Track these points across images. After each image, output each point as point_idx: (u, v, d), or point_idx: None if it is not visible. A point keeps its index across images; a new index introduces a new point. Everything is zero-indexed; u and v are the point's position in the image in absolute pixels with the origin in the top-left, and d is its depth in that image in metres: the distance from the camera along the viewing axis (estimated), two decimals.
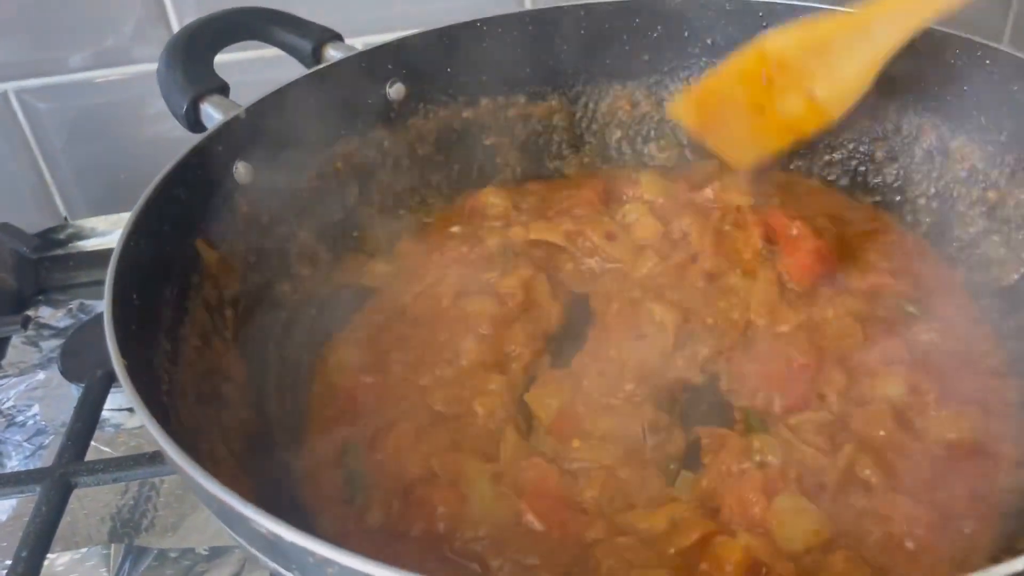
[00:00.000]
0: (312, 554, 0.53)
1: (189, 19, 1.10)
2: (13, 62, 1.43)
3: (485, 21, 1.11)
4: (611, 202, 1.12)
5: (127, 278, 0.77)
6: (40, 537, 0.87)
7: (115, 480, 0.94)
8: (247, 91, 0.98)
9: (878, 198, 1.10)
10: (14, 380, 1.18)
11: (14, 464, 1.07)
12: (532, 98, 1.18)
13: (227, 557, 0.92)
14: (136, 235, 0.80)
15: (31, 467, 1.05)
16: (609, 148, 1.22)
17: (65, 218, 1.54)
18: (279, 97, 1.00)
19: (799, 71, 1.02)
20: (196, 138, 0.93)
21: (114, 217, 1.43)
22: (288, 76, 1.02)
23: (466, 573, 0.75)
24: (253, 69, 1.13)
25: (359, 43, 1.10)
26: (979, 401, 0.85)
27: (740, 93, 1.05)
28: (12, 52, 1.42)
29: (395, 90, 1.10)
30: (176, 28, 1.40)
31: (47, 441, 1.09)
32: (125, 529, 0.97)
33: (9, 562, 0.85)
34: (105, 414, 1.06)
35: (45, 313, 1.30)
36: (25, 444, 1.09)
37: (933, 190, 1.05)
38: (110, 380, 1.06)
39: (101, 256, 1.34)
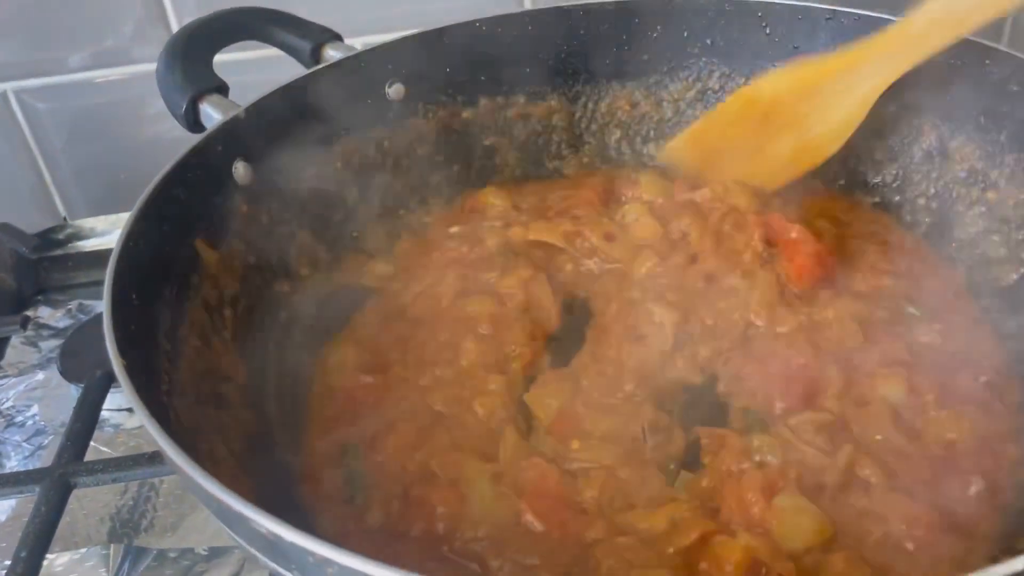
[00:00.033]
0: (312, 554, 0.53)
1: (188, 19, 1.10)
2: (12, 62, 1.43)
3: (484, 21, 1.11)
4: (610, 202, 1.12)
5: (126, 278, 0.77)
6: (39, 537, 0.87)
7: (114, 480, 0.94)
8: (246, 91, 0.98)
9: (877, 198, 1.10)
10: (13, 380, 1.18)
11: (13, 464, 1.07)
12: (531, 98, 1.18)
13: (226, 557, 0.92)
14: (135, 235, 0.80)
15: (30, 467, 1.05)
16: (608, 148, 1.22)
17: (64, 218, 1.54)
18: (278, 97, 1.00)
19: (792, 113, 1.03)
20: (195, 138, 0.93)
21: (113, 217, 1.43)
22: (287, 76, 1.02)
23: (466, 573, 0.75)
24: (252, 69, 1.13)
25: (358, 43, 1.10)
26: (979, 401, 0.85)
27: (734, 135, 1.07)
28: (11, 52, 1.42)
29: (394, 90, 1.10)
30: (175, 28, 1.40)
31: (46, 441, 1.09)
32: (124, 529, 0.97)
33: (8, 562, 0.85)
34: (104, 414, 1.06)
35: (44, 313, 1.30)
36: (24, 444, 1.09)
37: (932, 190, 1.05)
38: (109, 380, 1.06)
39: (100, 256, 1.34)
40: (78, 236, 1.43)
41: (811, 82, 1.02)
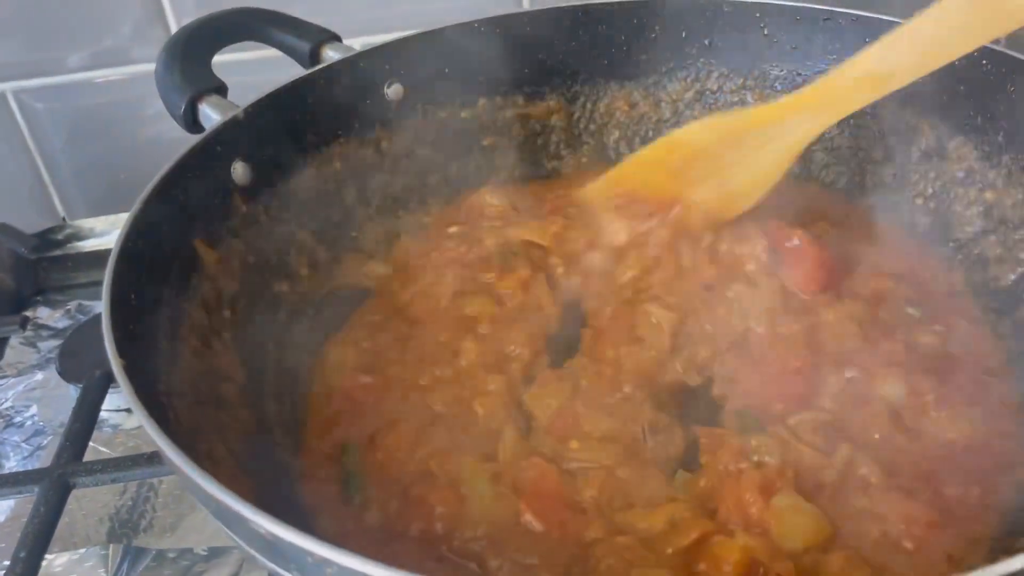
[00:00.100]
0: (311, 554, 0.53)
1: (187, 19, 1.10)
2: (11, 62, 1.43)
3: (483, 22, 1.11)
4: None
5: (125, 278, 0.77)
6: (38, 538, 0.87)
7: (113, 481, 0.94)
8: (245, 92, 0.98)
9: (876, 199, 1.10)
10: (12, 381, 1.18)
11: (12, 465, 1.07)
12: (530, 98, 1.18)
13: (225, 557, 0.92)
14: (134, 235, 0.80)
15: (29, 468, 1.05)
16: (607, 148, 1.22)
17: (63, 218, 1.54)
18: (277, 98, 1.00)
19: (713, 162, 1.02)
20: (194, 138, 0.93)
21: (112, 217, 1.43)
22: (286, 77, 1.02)
23: (465, 573, 0.75)
24: (251, 70, 1.13)
25: (357, 44, 1.10)
26: (978, 402, 0.85)
27: (654, 181, 1.05)
28: (10, 52, 1.42)
29: (393, 90, 1.10)
30: (174, 28, 1.40)
31: (45, 442, 1.09)
32: (123, 529, 0.97)
33: (7, 563, 0.85)
34: (103, 415, 1.06)
35: (43, 314, 1.30)
36: (23, 445, 1.09)
37: (930, 190, 1.05)
38: (108, 380, 1.06)
39: (99, 256, 1.34)
40: (77, 236, 1.43)
41: (734, 133, 1.01)
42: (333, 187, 1.07)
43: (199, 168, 0.91)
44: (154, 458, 0.92)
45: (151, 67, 1.03)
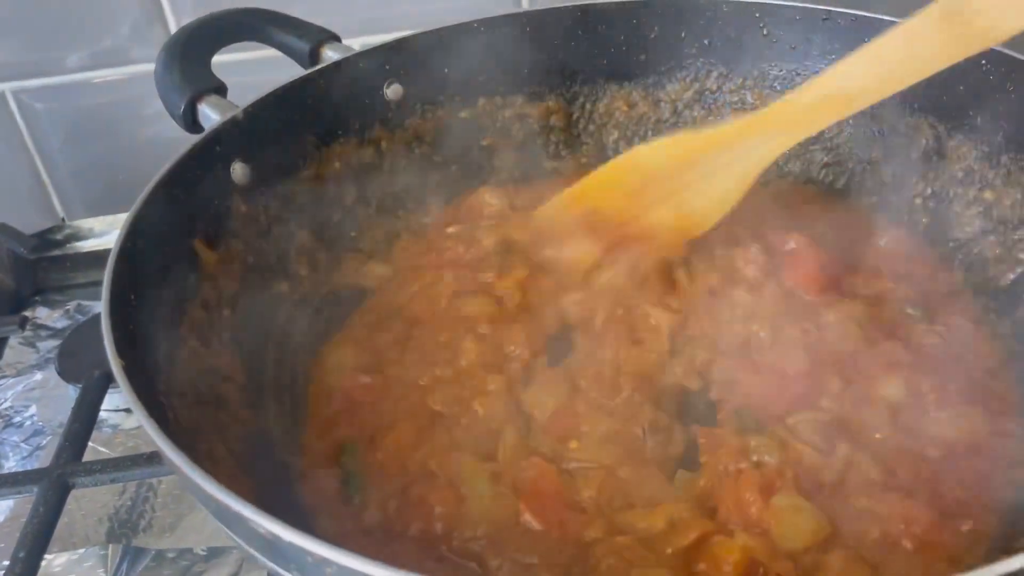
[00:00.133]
0: (310, 554, 0.53)
1: (187, 20, 1.10)
2: (10, 62, 1.43)
3: (482, 22, 1.11)
4: None
5: (125, 279, 0.77)
6: (37, 538, 0.87)
7: (113, 481, 0.94)
8: (245, 92, 0.98)
9: (875, 198, 1.10)
10: (11, 381, 1.18)
11: (11, 465, 1.07)
12: (529, 98, 1.18)
13: (225, 557, 0.92)
14: (134, 235, 0.80)
15: (28, 468, 1.05)
16: (607, 149, 1.22)
17: (62, 219, 1.54)
18: (277, 98, 1.00)
19: (670, 183, 1.00)
20: (194, 138, 0.92)
21: (111, 218, 1.43)
22: (286, 77, 1.02)
23: (465, 572, 0.75)
24: (251, 70, 1.13)
25: (356, 44, 1.09)
26: (979, 401, 0.85)
27: (610, 202, 1.03)
28: (9, 52, 1.42)
29: (392, 90, 1.10)
30: (173, 29, 1.40)
31: (44, 442, 1.09)
32: (123, 530, 0.97)
33: (7, 563, 0.85)
34: (102, 415, 1.06)
35: (42, 314, 1.30)
36: (22, 445, 1.09)
37: (929, 190, 1.05)
38: (107, 381, 1.06)
39: (98, 257, 1.34)
40: (76, 237, 1.42)
41: (692, 153, 0.99)
42: (333, 187, 1.07)
43: (199, 168, 0.91)
44: (153, 458, 0.92)
45: (150, 67, 1.03)
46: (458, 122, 1.16)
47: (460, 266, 1.05)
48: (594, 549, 0.75)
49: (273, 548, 0.57)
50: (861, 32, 1.01)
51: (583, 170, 1.20)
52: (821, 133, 1.02)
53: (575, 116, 1.20)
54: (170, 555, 0.93)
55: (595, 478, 0.81)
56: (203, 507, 0.64)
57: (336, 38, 1.10)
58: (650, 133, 1.20)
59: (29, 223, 1.42)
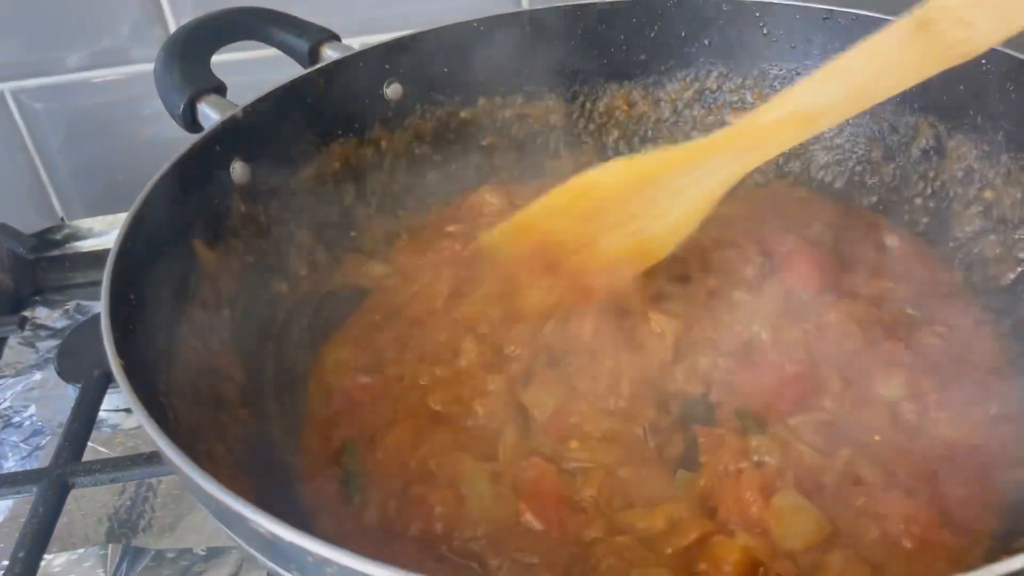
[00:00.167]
0: (311, 554, 0.53)
1: (186, 19, 1.10)
2: (10, 62, 1.43)
3: (482, 21, 1.11)
4: None
5: (124, 278, 0.77)
6: (37, 538, 0.87)
7: (112, 481, 0.94)
8: (244, 91, 0.98)
9: (875, 198, 1.10)
10: (11, 381, 1.18)
11: (11, 465, 1.07)
12: (529, 98, 1.18)
13: (224, 558, 0.92)
14: (133, 235, 0.80)
15: (28, 468, 1.05)
16: (607, 148, 1.22)
17: (62, 218, 1.54)
18: (276, 97, 1.00)
19: (627, 207, 0.95)
20: (193, 138, 0.93)
21: (111, 217, 1.43)
22: (285, 76, 1.02)
23: (465, 572, 0.75)
24: (250, 69, 1.13)
25: (356, 43, 1.09)
26: (979, 402, 0.85)
27: (563, 228, 0.98)
28: (9, 52, 1.42)
29: (392, 90, 1.10)
30: (173, 28, 1.40)
31: (44, 442, 1.09)
32: (122, 530, 0.97)
33: (6, 563, 0.85)
34: (102, 415, 1.06)
35: (41, 314, 1.30)
36: (22, 445, 1.09)
37: (930, 190, 1.05)
38: (107, 380, 1.06)
39: (98, 257, 1.34)
40: (75, 236, 1.42)
41: (649, 175, 0.94)
42: (332, 187, 1.07)
43: (198, 168, 0.91)
44: (153, 458, 0.92)
45: (150, 67, 1.03)
46: (458, 122, 1.16)
47: (460, 266, 1.05)
48: (594, 549, 0.75)
49: (273, 548, 0.57)
50: (861, 31, 0.99)
51: (582, 170, 1.20)
52: (821, 132, 1.02)
53: (575, 116, 1.20)
54: (170, 555, 0.93)
55: (595, 478, 0.81)
56: (203, 507, 0.64)
57: (336, 37, 1.10)
58: (650, 132, 1.20)
59: (28, 223, 1.42)
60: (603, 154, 1.21)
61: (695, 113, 1.18)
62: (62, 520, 0.90)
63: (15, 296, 1.32)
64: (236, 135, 0.95)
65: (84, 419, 1.01)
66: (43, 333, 1.26)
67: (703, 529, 0.75)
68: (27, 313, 1.29)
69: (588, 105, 1.20)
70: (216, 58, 1.04)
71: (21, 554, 0.85)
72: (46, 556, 0.88)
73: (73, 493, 0.93)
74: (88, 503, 0.99)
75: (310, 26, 1.10)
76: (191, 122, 0.99)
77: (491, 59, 1.13)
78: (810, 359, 0.90)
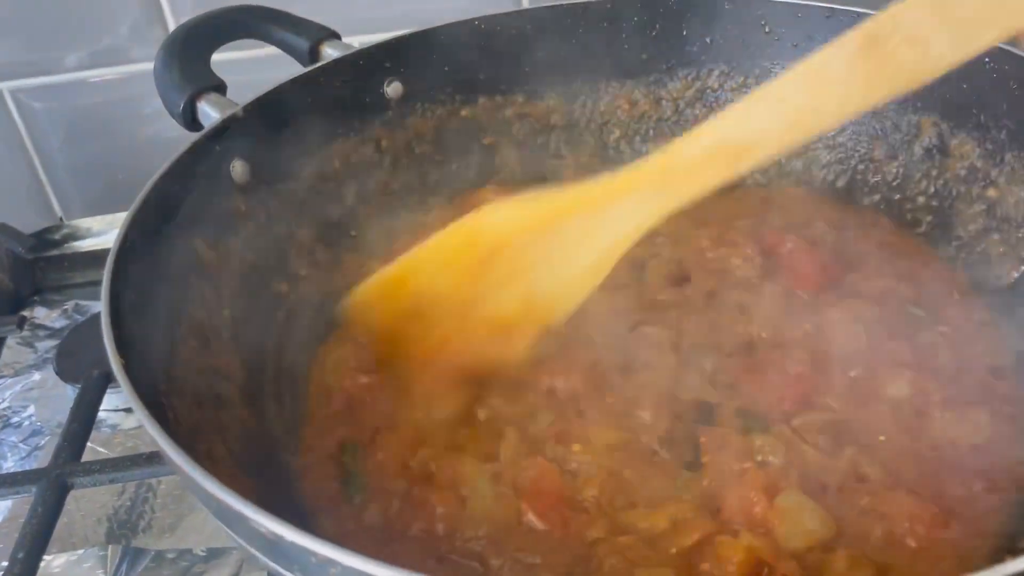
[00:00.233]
0: (314, 554, 0.53)
1: (186, 18, 1.10)
2: (9, 61, 1.43)
3: (483, 19, 1.11)
4: None
5: (124, 278, 0.76)
6: (36, 538, 0.86)
7: (112, 481, 0.93)
8: (244, 90, 0.98)
9: (877, 197, 1.10)
10: (10, 381, 1.18)
11: (10, 465, 1.06)
12: (530, 97, 1.17)
13: (225, 558, 0.92)
14: (133, 235, 0.80)
15: (27, 468, 1.05)
16: (607, 147, 1.21)
17: (61, 218, 1.54)
18: (276, 96, 0.99)
19: (520, 258, 0.82)
20: (193, 137, 0.92)
21: (110, 217, 1.42)
22: (285, 75, 1.01)
23: (467, 572, 0.75)
24: (250, 68, 1.13)
25: (356, 42, 1.09)
26: (983, 401, 0.85)
27: (444, 285, 0.85)
28: (8, 52, 1.42)
29: (393, 89, 1.09)
30: (172, 27, 1.39)
31: (43, 442, 1.08)
32: (122, 530, 0.96)
33: (6, 563, 0.85)
34: (101, 415, 1.05)
35: (40, 313, 1.29)
36: (21, 445, 1.09)
37: (932, 189, 1.05)
38: (106, 380, 1.06)
39: (97, 256, 1.34)
40: (74, 236, 1.42)
41: (549, 220, 0.81)
42: (333, 186, 1.07)
43: (198, 167, 0.91)
44: (153, 458, 0.92)
45: (149, 66, 1.03)
46: (458, 120, 1.15)
47: None
48: (597, 549, 0.75)
49: (275, 548, 0.56)
50: None
51: (584, 169, 1.20)
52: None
53: (576, 114, 1.20)
54: (170, 556, 0.93)
55: (597, 478, 0.80)
56: (204, 508, 0.63)
57: (336, 36, 1.10)
58: (651, 131, 1.20)
59: (27, 223, 1.42)
60: (604, 154, 1.21)
61: (697, 112, 1.18)
62: (62, 521, 0.90)
63: (14, 296, 1.31)
64: (236, 134, 0.95)
65: (83, 419, 1.01)
66: (42, 333, 1.26)
67: (706, 529, 0.75)
68: (26, 313, 1.29)
69: (589, 104, 1.19)
70: (216, 57, 1.04)
71: (21, 555, 0.84)
72: (46, 557, 0.87)
73: (73, 493, 0.93)
74: (88, 503, 0.99)
75: (310, 24, 1.10)
76: (191, 121, 0.99)
77: (492, 58, 1.13)
78: (813, 359, 0.89)
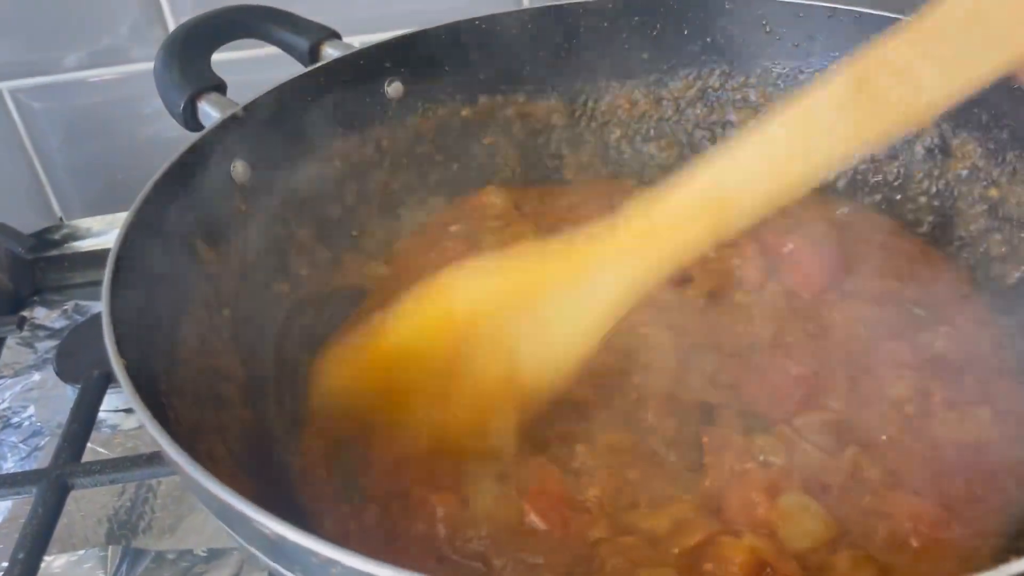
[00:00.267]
0: (316, 555, 0.53)
1: (185, 18, 1.09)
2: (8, 61, 1.42)
3: (484, 19, 1.11)
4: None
5: (124, 278, 0.76)
6: (37, 539, 0.86)
7: (112, 482, 0.93)
8: (244, 90, 0.98)
9: (878, 197, 1.10)
10: (9, 381, 1.18)
11: (10, 466, 1.06)
12: (531, 96, 1.17)
13: (225, 559, 0.92)
14: (133, 235, 0.80)
15: (27, 468, 1.05)
16: (608, 147, 1.21)
17: (60, 218, 1.54)
18: (277, 95, 0.99)
19: (499, 332, 0.77)
20: (193, 137, 0.92)
21: (109, 217, 1.42)
22: (286, 75, 1.01)
23: (468, 572, 0.75)
24: (250, 68, 1.12)
25: (357, 41, 1.09)
26: (986, 402, 0.84)
27: (414, 366, 0.80)
28: (7, 51, 1.42)
29: (393, 88, 1.09)
30: (172, 27, 1.39)
31: (43, 443, 1.08)
32: (122, 531, 0.96)
33: (6, 564, 0.84)
34: (101, 415, 1.05)
35: (40, 314, 1.29)
36: (21, 445, 1.09)
37: (934, 189, 1.05)
38: (106, 381, 1.06)
39: (97, 256, 1.34)
40: (74, 236, 1.42)
41: (525, 288, 0.76)
42: (333, 186, 1.06)
43: (198, 167, 0.90)
44: (153, 459, 0.92)
45: (149, 66, 1.03)
46: (459, 120, 1.15)
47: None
48: (599, 549, 0.75)
49: (277, 549, 0.56)
50: (865, 30, 1.00)
51: (585, 169, 1.20)
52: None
53: (577, 114, 1.19)
54: (170, 556, 0.93)
55: (599, 478, 0.80)
56: (206, 508, 0.63)
57: (336, 36, 1.09)
58: (652, 131, 1.19)
59: (27, 223, 1.42)
60: (605, 154, 1.20)
61: (698, 112, 1.18)
62: (62, 521, 0.90)
63: (14, 296, 1.31)
64: (237, 134, 0.95)
65: (83, 420, 1.01)
66: (42, 333, 1.26)
67: (709, 529, 0.75)
68: (26, 313, 1.28)
69: (590, 104, 1.19)
70: (216, 57, 1.04)
71: (21, 555, 0.84)
72: (46, 558, 0.87)
73: (73, 494, 0.92)
74: (88, 504, 0.99)
75: (310, 24, 1.10)
76: (191, 120, 0.99)
77: (492, 57, 1.12)
78: (814, 360, 0.89)
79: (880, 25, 0.97)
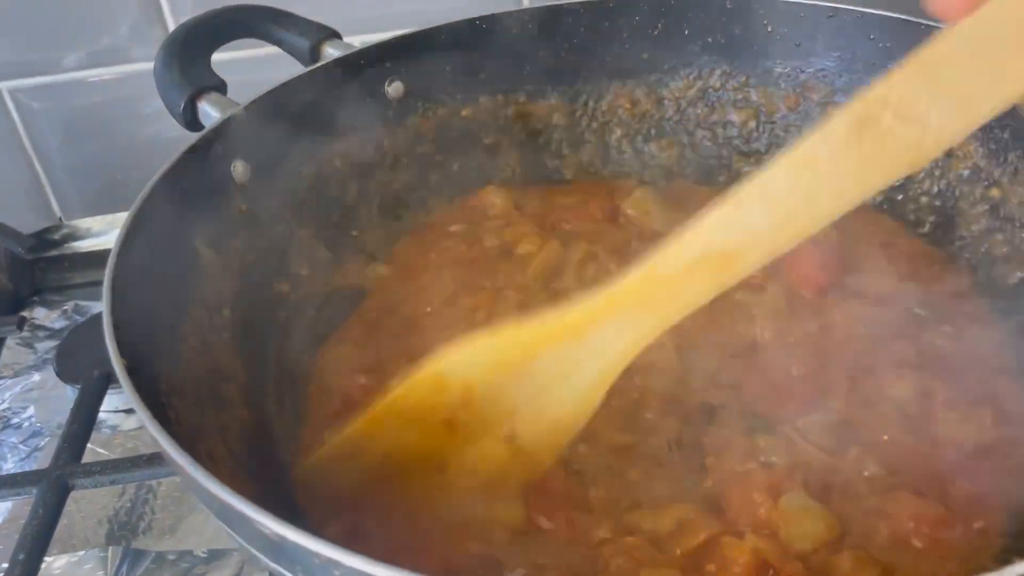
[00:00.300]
0: (317, 555, 0.53)
1: (185, 18, 1.09)
2: (8, 61, 1.42)
3: (484, 19, 1.11)
4: (616, 217, 1.11)
5: (125, 278, 0.76)
6: (37, 540, 0.86)
7: (112, 482, 0.93)
8: (245, 90, 0.98)
9: (880, 197, 1.09)
10: (9, 382, 1.18)
11: (10, 466, 1.06)
12: (531, 97, 1.17)
13: (225, 560, 0.91)
14: (134, 235, 0.79)
15: (27, 469, 1.05)
16: (609, 147, 1.21)
17: (60, 218, 1.53)
18: (277, 95, 0.99)
19: (495, 404, 0.74)
20: (193, 137, 0.92)
21: (109, 217, 1.42)
22: (286, 74, 1.01)
23: (472, 573, 0.75)
24: (250, 68, 1.12)
25: (357, 41, 1.09)
26: (988, 401, 0.84)
27: (409, 445, 0.77)
28: (6, 51, 1.41)
29: (394, 88, 1.09)
30: (172, 27, 1.39)
31: (43, 443, 1.08)
32: (122, 532, 0.96)
33: (6, 565, 0.84)
34: (101, 416, 1.05)
35: (40, 314, 1.29)
36: (21, 446, 1.08)
37: (935, 189, 1.05)
38: (107, 381, 1.05)
39: (96, 257, 1.33)
40: (74, 236, 1.41)
41: (516, 360, 0.73)
42: (333, 186, 1.07)
43: (198, 166, 0.90)
44: (153, 459, 0.92)
45: (149, 66, 1.03)
46: (460, 120, 1.15)
47: (462, 266, 1.05)
48: (602, 549, 0.74)
49: (278, 549, 0.56)
50: (867, 30, 1.00)
51: (586, 169, 1.20)
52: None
53: (578, 114, 1.19)
54: (170, 557, 0.93)
55: (603, 478, 0.80)
56: (206, 508, 0.63)
57: (337, 35, 1.09)
58: (653, 131, 1.19)
59: (26, 223, 1.41)
60: (606, 154, 1.20)
61: (698, 111, 1.17)
62: (62, 522, 0.90)
63: (13, 296, 1.31)
64: (237, 134, 0.94)
65: (83, 420, 1.01)
66: (41, 334, 1.25)
67: (712, 530, 0.75)
68: (25, 313, 1.28)
69: (591, 104, 1.19)
70: (216, 56, 1.04)
71: (21, 556, 0.84)
72: (46, 558, 0.87)
73: (73, 495, 0.92)
74: (88, 505, 0.99)
75: (311, 24, 1.10)
76: (191, 120, 0.99)
77: (493, 57, 1.12)
78: (816, 360, 0.89)
79: (881, 25, 0.97)
